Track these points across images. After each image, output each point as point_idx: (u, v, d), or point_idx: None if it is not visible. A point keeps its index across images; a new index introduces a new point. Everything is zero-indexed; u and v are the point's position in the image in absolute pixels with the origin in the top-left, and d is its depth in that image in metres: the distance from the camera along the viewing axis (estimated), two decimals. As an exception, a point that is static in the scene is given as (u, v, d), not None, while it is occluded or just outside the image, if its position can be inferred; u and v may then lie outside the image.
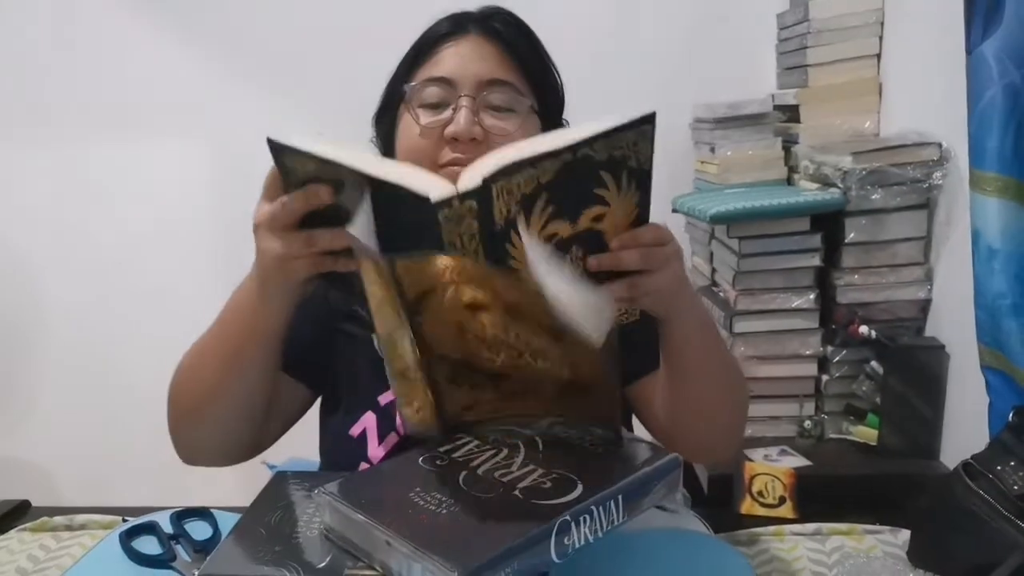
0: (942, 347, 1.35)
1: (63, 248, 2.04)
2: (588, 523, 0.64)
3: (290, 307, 0.77)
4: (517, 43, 0.91)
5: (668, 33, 1.88)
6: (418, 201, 0.60)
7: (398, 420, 0.88)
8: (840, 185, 1.40)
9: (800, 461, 1.39)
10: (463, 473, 0.70)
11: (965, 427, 1.31)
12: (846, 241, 1.42)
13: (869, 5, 1.58)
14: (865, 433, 1.43)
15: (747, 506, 1.29)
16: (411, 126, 0.88)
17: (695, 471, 1.42)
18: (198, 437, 0.87)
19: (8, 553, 0.91)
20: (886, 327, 1.42)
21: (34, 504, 1.27)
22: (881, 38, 1.59)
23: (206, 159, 2.00)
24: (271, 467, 1.02)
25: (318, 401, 0.98)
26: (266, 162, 0.70)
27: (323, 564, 0.64)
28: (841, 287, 1.44)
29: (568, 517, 0.63)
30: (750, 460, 1.37)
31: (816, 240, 1.45)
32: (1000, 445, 0.84)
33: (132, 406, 1.73)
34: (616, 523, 0.67)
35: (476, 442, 0.76)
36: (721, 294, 1.59)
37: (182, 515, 0.83)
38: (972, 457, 0.85)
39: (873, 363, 1.42)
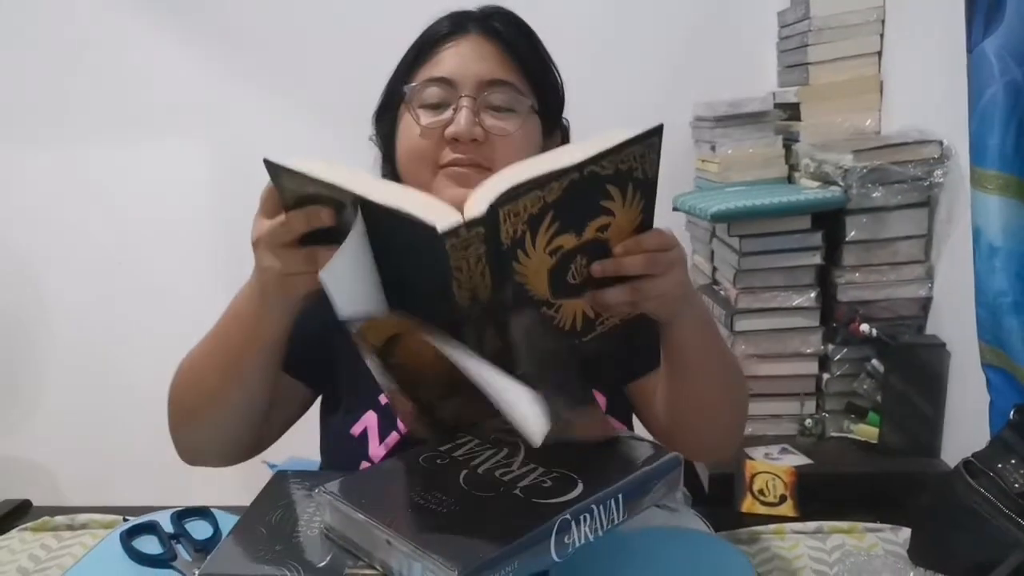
0: (943, 345, 1.35)
1: (63, 248, 2.04)
2: (588, 522, 0.64)
3: (291, 317, 0.77)
4: (517, 43, 0.90)
5: (668, 32, 1.88)
6: (424, 230, 0.59)
7: (399, 419, 0.88)
8: (841, 183, 1.40)
9: (801, 459, 1.39)
10: (463, 472, 0.70)
11: (966, 425, 1.31)
12: (847, 239, 1.42)
13: (870, 3, 1.58)
14: (866, 431, 1.43)
15: (748, 504, 1.29)
16: (411, 126, 0.88)
17: (696, 470, 1.42)
18: (198, 439, 0.87)
19: (9, 553, 0.91)
20: (887, 325, 1.42)
21: (35, 504, 1.27)
22: (882, 36, 1.59)
23: (206, 159, 2.00)
24: (271, 466, 1.02)
25: (318, 401, 0.98)
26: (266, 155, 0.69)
27: (323, 563, 0.64)
28: (842, 285, 1.44)
29: (568, 516, 0.63)
30: (751, 458, 1.37)
31: (817, 238, 1.45)
32: (1001, 443, 0.84)
33: (133, 406, 1.73)
34: (616, 522, 0.67)
35: (476, 441, 0.76)
36: (722, 292, 1.59)
37: (182, 514, 0.83)
38: (973, 455, 0.84)
39: (874, 361, 1.42)
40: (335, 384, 0.95)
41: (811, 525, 0.95)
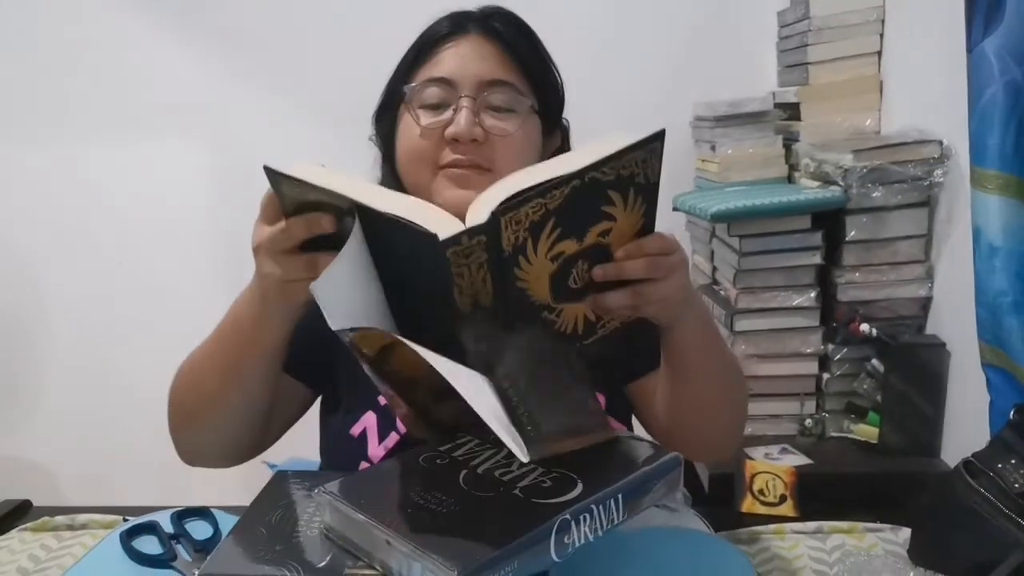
0: (943, 345, 1.35)
1: (63, 248, 2.04)
2: (588, 522, 0.64)
3: (291, 323, 0.77)
4: (517, 43, 0.90)
5: (668, 32, 1.88)
6: (425, 238, 0.59)
7: (398, 420, 0.88)
8: (841, 183, 1.40)
9: (801, 459, 1.39)
10: (463, 472, 0.70)
11: (966, 425, 1.31)
12: (847, 239, 1.42)
13: (870, 3, 1.58)
14: (866, 431, 1.43)
15: (748, 504, 1.29)
16: (411, 127, 0.88)
17: (695, 469, 1.42)
18: (198, 441, 0.87)
19: (9, 553, 0.91)
20: (887, 325, 1.41)
21: (35, 504, 1.27)
22: (882, 35, 1.58)
23: (206, 159, 2.00)
24: (271, 467, 1.02)
25: (318, 401, 0.98)
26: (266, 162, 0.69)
27: (323, 563, 0.64)
28: (842, 285, 1.44)
29: (568, 516, 0.63)
30: (751, 458, 1.37)
31: (817, 238, 1.45)
32: (1001, 443, 0.84)
33: (133, 406, 1.73)
34: (616, 522, 0.67)
35: (476, 441, 0.76)
36: (722, 292, 1.59)
37: (182, 515, 0.83)
38: (973, 455, 0.84)
39: (874, 361, 1.42)
40: (335, 385, 0.95)
41: (811, 525, 0.95)
